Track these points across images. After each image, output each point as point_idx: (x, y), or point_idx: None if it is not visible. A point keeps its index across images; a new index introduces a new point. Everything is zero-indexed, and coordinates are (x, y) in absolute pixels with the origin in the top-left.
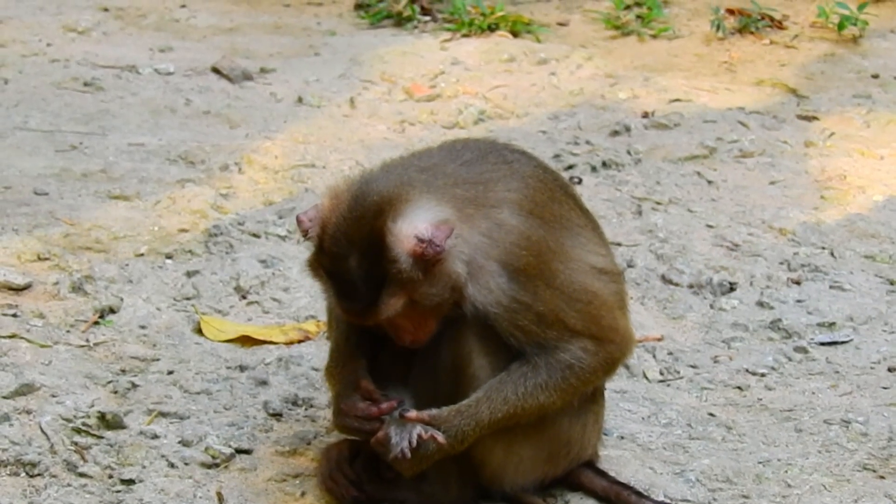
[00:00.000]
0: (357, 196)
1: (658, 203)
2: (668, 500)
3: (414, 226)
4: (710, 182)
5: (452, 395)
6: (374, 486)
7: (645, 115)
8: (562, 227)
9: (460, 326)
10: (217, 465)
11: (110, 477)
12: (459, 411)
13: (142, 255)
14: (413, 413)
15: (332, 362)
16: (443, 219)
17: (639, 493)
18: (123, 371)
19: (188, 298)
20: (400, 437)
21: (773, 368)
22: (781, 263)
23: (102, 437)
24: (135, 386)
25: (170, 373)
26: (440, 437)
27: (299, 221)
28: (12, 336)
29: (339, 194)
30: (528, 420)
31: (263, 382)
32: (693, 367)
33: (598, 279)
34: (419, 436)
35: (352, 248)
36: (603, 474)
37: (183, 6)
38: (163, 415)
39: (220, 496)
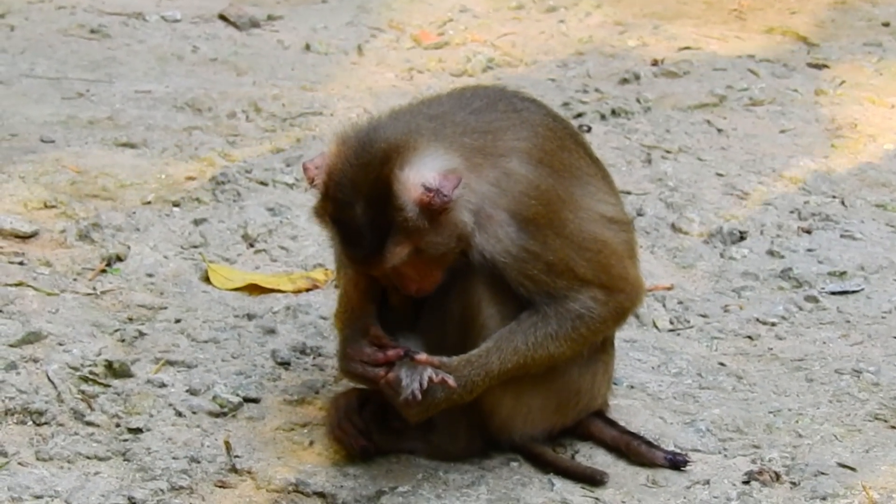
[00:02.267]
0: (364, 143)
1: (668, 151)
2: (679, 450)
3: (421, 174)
4: (720, 130)
5: (461, 344)
6: (383, 436)
7: (654, 63)
8: (571, 176)
9: (469, 276)
10: (225, 414)
11: (117, 426)
12: (469, 361)
13: (149, 202)
14: (424, 356)
15: (340, 307)
16: (451, 168)
17: (649, 443)
18: (131, 319)
19: (195, 246)
20: (410, 378)
21: (783, 318)
22: (792, 212)
23: (109, 386)
24: (142, 334)
25: (177, 321)
26: (451, 381)
27: (305, 169)
28: (19, 284)
29: (346, 141)
30: (537, 370)
31: (271, 331)
32: (703, 316)
33: (608, 228)
34: (430, 378)
35: (358, 195)
36: (613, 424)
37: None
38: (170, 363)
39: (227, 445)
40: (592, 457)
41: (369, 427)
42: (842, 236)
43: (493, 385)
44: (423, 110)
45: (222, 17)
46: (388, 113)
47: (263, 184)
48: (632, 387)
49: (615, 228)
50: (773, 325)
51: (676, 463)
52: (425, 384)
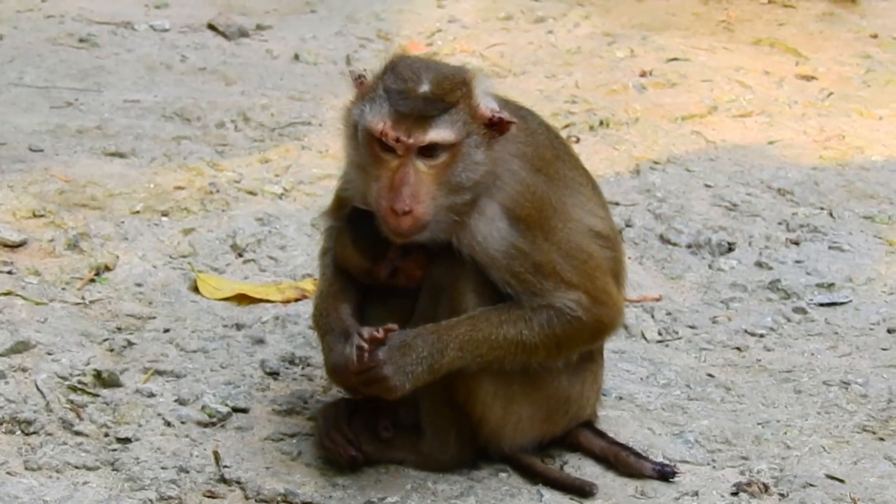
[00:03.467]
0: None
1: (656, 162)
2: (667, 462)
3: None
4: (708, 141)
5: None
6: (372, 447)
7: (643, 74)
8: (565, 186)
9: (458, 286)
10: (213, 424)
11: (106, 435)
12: (439, 324)
13: (137, 212)
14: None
15: (316, 311)
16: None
17: (637, 454)
18: (119, 329)
19: (184, 256)
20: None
21: (771, 329)
22: (780, 223)
23: (98, 396)
24: (131, 344)
25: (166, 331)
26: (379, 333)
27: (353, 71)
28: (7, 293)
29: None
30: (510, 359)
31: (260, 341)
32: (692, 327)
33: (595, 242)
34: (371, 335)
35: (430, 73)
36: (601, 435)
37: None
38: (159, 373)
39: (216, 455)
40: (581, 468)
41: (358, 437)
42: (830, 248)
43: (467, 360)
44: None
45: (211, 27)
46: None
47: (252, 193)
48: (620, 398)
49: (601, 243)
50: (762, 336)
51: (665, 474)
52: (364, 345)
